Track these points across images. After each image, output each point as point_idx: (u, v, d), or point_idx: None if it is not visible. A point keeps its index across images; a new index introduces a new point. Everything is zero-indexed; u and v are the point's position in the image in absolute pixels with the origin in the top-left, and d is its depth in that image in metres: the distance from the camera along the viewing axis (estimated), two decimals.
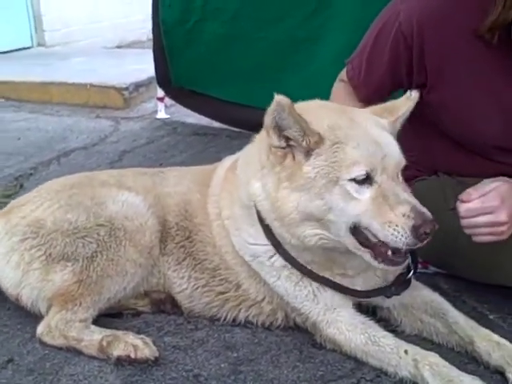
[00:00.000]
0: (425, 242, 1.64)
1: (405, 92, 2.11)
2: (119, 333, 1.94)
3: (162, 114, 4.97)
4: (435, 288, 2.14)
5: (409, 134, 2.33)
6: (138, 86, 5.44)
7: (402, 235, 1.60)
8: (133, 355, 1.86)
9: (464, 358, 1.90)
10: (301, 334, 2.03)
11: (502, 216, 1.84)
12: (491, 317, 2.16)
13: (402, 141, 2.30)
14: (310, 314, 1.95)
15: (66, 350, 1.94)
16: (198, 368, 1.88)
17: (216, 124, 4.62)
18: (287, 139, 1.71)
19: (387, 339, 1.84)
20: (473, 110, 2.08)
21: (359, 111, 1.85)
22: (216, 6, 4.27)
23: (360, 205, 1.64)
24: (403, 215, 1.59)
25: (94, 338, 1.93)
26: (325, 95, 4.47)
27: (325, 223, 1.71)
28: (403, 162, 1.73)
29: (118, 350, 1.87)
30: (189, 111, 4.76)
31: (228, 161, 2.19)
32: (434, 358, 1.74)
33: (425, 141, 2.27)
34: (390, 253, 1.71)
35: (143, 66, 5.50)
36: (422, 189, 2.29)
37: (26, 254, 2.01)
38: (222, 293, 2.09)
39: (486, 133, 2.09)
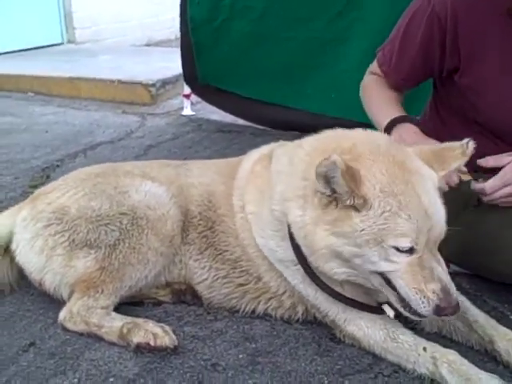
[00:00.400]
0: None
1: (435, 81, 2.15)
2: (139, 320, 1.96)
3: (187, 111, 5.01)
4: (456, 287, 2.11)
5: (436, 123, 2.36)
6: (164, 82, 5.48)
7: (425, 307, 1.62)
8: (152, 343, 1.88)
9: (483, 356, 1.89)
10: (320, 327, 2.03)
11: None
12: (511, 317, 2.15)
13: (429, 130, 2.36)
14: (329, 312, 1.95)
15: (87, 336, 1.97)
16: (216, 358, 1.89)
17: (240, 121, 4.65)
18: (334, 190, 1.66)
19: (406, 336, 1.84)
20: (507, 91, 2.08)
21: (413, 164, 1.70)
22: (244, 4, 4.29)
23: (394, 265, 1.65)
24: (433, 292, 1.61)
25: (114, 324, 1.95)
26: (351, 96, 4.47)
27: (352, 265, 1.72)
28: (444, 233, 1.69)
29: (137, 337, 1.89)
30: (214, 108, 4.79)
31: (255, 154, 2.20)
32: (452, 355, 1.73)
33: (452, 130, 2.27)
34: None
35: (170, 63, 5.56)
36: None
37: (49, 239, 2.05)
38: (242, 284, 2.10)
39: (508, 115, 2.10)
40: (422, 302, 1.62)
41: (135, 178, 2.22)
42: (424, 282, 1.61)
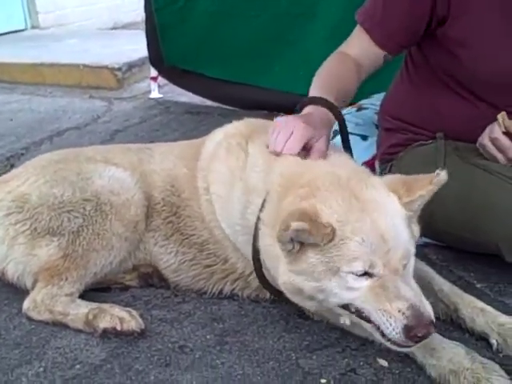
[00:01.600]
0: (417, 344, 1.56)
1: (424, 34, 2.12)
2: (105, 306, 1.94)
3: (155, 94, 4.94)
4: (423, 258, 2.15)
5: (410, 90, 2.36)
6: (131, 66, 5.40)
7: (394, 329, 1.52)
8: (119, 327, 1.86)
9: (449, 326, 1.91)
10: (288, 305, 2.01)
11: None
12: (478, 285, 2.16)
13: (408, 101, 2.35)
14: None
15: (53, 325, 1.94)
16: (183, 339, 1.89)
17: (209, 102, 4.60)
18: (301, 242, 1.61)
19: None
20: (495, 44, 2.08)
21: (373, 192, 1.65)
22: None
23: (356, 293, 1.59)
24: (399, 311, 1.51)
25: (80, 311, 1.93)
26: None
27: (318, 299, 1.67)
28: (410, 253, 1.63)
29: (103, 323, 1.87)
30: (182, 90, 4.74)
31: (218, 134, 2.18)
32: None
33: (428, 95, 2.29)
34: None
35: (137, 46, 5.45)
36: (417, 154, 2.32)
37: (10, 228, 2.01)
38: (209, 266, 2.09)
39: (508, 68, 2.09)
40: (390, 324, 1.52)
41: (98, 164, 2.19)
42: (388, 302, 1.53)
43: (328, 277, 1.59)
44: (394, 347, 1.60)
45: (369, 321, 1.60)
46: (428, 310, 1.53)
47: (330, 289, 1.61)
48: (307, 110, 1.94)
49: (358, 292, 1.58)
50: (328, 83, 2.08)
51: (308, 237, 1.56)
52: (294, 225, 1.53)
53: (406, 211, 1.65)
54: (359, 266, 1.56)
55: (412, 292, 1.55)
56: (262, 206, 1.79)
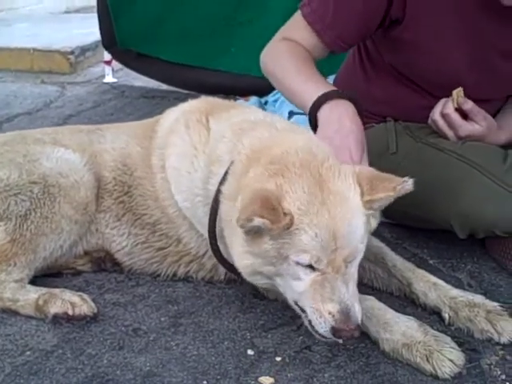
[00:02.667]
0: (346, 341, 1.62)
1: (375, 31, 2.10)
2: (56, 290, 1.90)
3: (109, 78, 4.87)
4: (377, 236, 2.14)
5: (360, 78, 2.37)
6: (84, 49, 5.30)
7: (322, 327, 1.55)
8: (70, 312, 1.82)
9: (403, 301, 1.93)
10: (243, 286, 2.00)
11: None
12: (431, 262, 2.20)
13: (359, 88, 2.32)
14: None
15: (2, 312, 1.89)
16: (137, 322, 1.86)
17: (164, 86, 4.57)
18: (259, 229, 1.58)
19: None
20: (449, 47, 2.09)
21: (340, 183, 1.61)
22: None
23: (302, 284, 1.58)
24: (329, 313, 1.53)
25: (29, 297, 1.88)
26: None
27: (275, 282, 1.66)
28: (358, 251, 1.62)
29: (54, 308, 1.83)
30: (137, 74, 4.68)
31: (174, 112, 2.15)
32: (370, 301, 1.75)
33: (379, 85, 2.30)
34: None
35: (90, 30, 5.37)
36: (369, 136, 2.32)
37: None
38: (162, 248, 2.06)
39: (452, 66, 2.11)
40: (320, 323, 1.55)
41: (46, 146, 2.14)
42: (321, 302, 1.54)
43: (280, 262, 1.59)
44: (321, 339, 1.62)
45: (303, 311, 1.62)
46: (356, 314, 1.54)
47: (284, 274, 1.60)
48: (336, 111, 1.83)
49: (303, 283, 1.58)
50: (313, 73, 2.00)
51: (268, 231, 1.54)
52: (256, 221, 1.51)
53: (366, 210, 1.62)
54: (306, 259, 1.55)
55: (346, 295, 1.55)
56: (224, 178, 1.76)
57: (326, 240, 1.54)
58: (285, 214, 1.53)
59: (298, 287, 1.59)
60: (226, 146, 1.85)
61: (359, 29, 2.10)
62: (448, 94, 2.12)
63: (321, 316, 1.54)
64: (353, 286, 1.59)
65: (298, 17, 2.14)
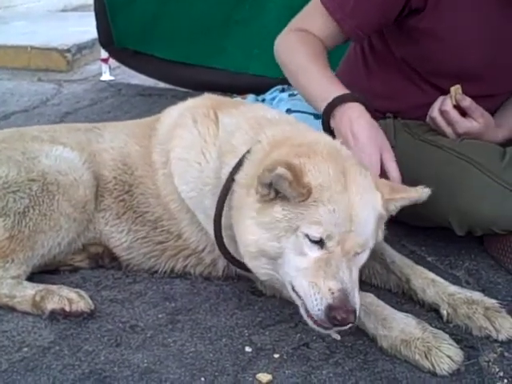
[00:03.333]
0: (336, 328, 1.55)
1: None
2: (53, 287, 1.89)
3: (106, 76, 4.85)
4: None
5: (361, 72, 2.37)
6: (81, 47, 5.29)
7: (317, 305, 1.52)
8: (67, 308, 1.82)
9: (401, 299, 1.94)
10: (241, 282, 2.02)
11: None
12: (429, 259, 2.20)
13: (360, 84, 2.32)
14: None
15: None
16: (134, 319, 1.85)
17: (161, 84, 4.56)
18: (277, 191, 1.59)
19: None
20: (466, 38, 2.09)
21: (363, 180, 1.64)
22: None
23: (305, 260, 1.57)
24: (329, 289, 1.51)
25: (26, 293, 1.87)
26: (273, 52, 4.37)
27: (277, 265, 1.65)
28: (367, 245, 1.62)
29: (51, 304, 1.82)
30: (134, 72, 4.67)
31: (176, 109, 2.16)
32: (368, 298, 1.75)
33: (380, 79, 2.31)
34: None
35: (87, 28, 5.33)
36: None
37: None
38: (162, 242, 2.06)
39: (469, 59, 2.12)
40: (316, 299, 1.51)
41: (44, 143, 2.13)
42: (323, 278, 1.52)
43: (287, 235, 1.58)
44: (313, 325, 1.59)
45: (298, 295, 1.60)
46: (355, 300, 1.53)
47: (287, 251, 1.60)
48: (354, 115, 1.91)
49: (306, 260, 1.57)
50: (325, 70, 2.05)
51: (286, 188, 1.54)
52: (280, 170, 1.52)
53: (383, 210, 1.65)
54: (317, 232, 1.55)
55: (350, 278, 1.54)
56: (238, 167, 1.77)
57: (343, 219, 1.55)
58: (304, 185, 1.55)
59: (301, 263, 1.58)
60: (242, 138, 1.86)
61: (379, 18, 2.12)
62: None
63: (319, 292, 1.52)
64: (356, 275, 1.59)
65: (314, 5, 2.15)
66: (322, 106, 1.96)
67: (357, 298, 1.54)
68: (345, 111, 1.92)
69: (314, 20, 2.14)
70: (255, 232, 1.63)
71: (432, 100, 2.17)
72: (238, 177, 1.75)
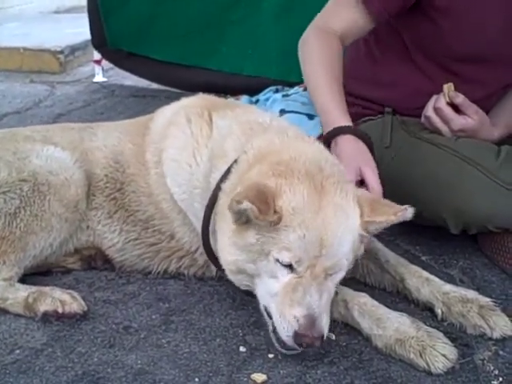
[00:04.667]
0: (305, 349, 1.56)
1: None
2: (46, 288, 1.88)
3: (99, 78, 4.84)
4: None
5: (372, 66, 2.36)
6: (74, 49, 5.27)
7: (285, 332, 1.54)
8: (60, 310, 1.81)
9: (395, 298, 1.93)
10: None
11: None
12: (423, 258, 2.20)
13: (362, 75, 2.35)
14: None
15: None
16: (128, 320, 1.84)
17: (155, 86, 4.55)
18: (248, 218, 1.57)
19: None
20: (481, 16, 2.09)
21: (340, 199, 1.61)
22: None
23: (277, 285, 1.57)
24: (294, 317, 1.52)
25: (19, 295, 1.86)
26: (268, 51, 4.37)
27: (254, 283, 1.66)
28: (340, 266, 1.60)
29: (44, 306, 1.81)
30: (127, 74, 4.65)
31: (170, 108, 2.16)
32: (363, 298, 1.74)
33: (387, 68, 2.30)
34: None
35: (80, 29, 5.31)
36: (365, 129, 2.32)
37: None
38: (155, 244, 2.06)
39: (484, 39, 2.12)
40: (283, 327, 1.53)
41: (36, 143, 2.12)
42: (289, 305, 1.53)
43: (260, 258, 1.58)
44: (281, 349, 1.61)
45: (270, 318, 1.61)
46: (322, 325, 1.53)
47: (262, 273, 1.59)
48: (344, 147, 1.93)
49: (278, 285, 1.57)
50: (335, 88, 2.06)
51: (253, 219, 1.53)
52: (245, 204, 1.50)
53: (361, 230, 1.62)
54: (287, 257, 1.54)
55: (317, 302, 1.53)
56: (226, 176, 1.75)
57: (312, 244, 1.53)
58: (275, 211, 1.53)
59: (273, 287, 1.58)
60: (233, 143, 1.85)
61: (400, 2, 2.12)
62: (467, 70, 2.15)
63: (285, 320, 1.53)
64: (327, 298, 1.57)
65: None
66: (325, 130, 2.03)
67: (325, 323, 1.54)
68: (339, 142, 1.95)
69: (338, 11, 2.17)
70: (233, 252, 1.64)
71: (436, 87, 2.15)
72: (225, 186, 1.74)
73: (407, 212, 1.64)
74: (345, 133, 1.95)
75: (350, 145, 1.93)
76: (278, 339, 1.58)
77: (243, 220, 1.57)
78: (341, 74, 2.11)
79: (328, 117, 2.02)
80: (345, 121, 1.98)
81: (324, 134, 2.02)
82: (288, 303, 1.54)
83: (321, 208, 1.57)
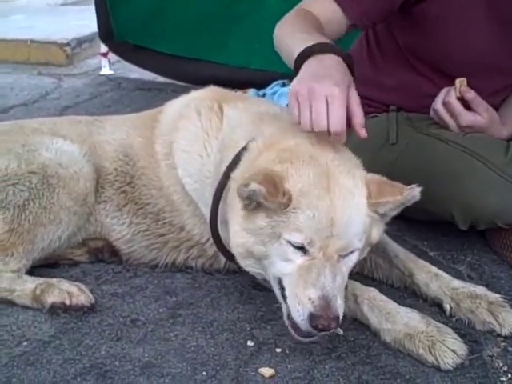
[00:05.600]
0: (321, 333, 1.52)
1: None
2: (53, 280, 1.88)
3: (105, 70, 4.83)
4: None
5: (373, 68, 2.35)
6: (80, 41, 5.26)
7: (300, 315, 1.51)
8: (68, 302, 1.81)
9: (403, 293, 1.92)
10: (242, 276, 1.99)
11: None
12: (431, 254, 2.19)
13: (365, 76, 2.29)
14: None
15: None
16: (135, 313, 1.84)
17: (161, 79, 4.53)
18: (258, 203, 1.56)
19: None
20: (472, 25, 2.08)
21: (347, 180, 1.59)
22: None
23: (290, 266, 1.56)
24: (309, 299, 1.50)
25: (26, 287, 1.86)
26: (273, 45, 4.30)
27: (264, 265, 1.64)
28: (352, 247, 1.57)
29: (52, 297, 1.82)
30: (133, 67, 4.64)
31: (180, 101, 2.16)
32: (372, 292, 1.74)
33: (385, 69, 2.29)
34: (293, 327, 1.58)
35: (87, 22, 5.31)
36: (370, 126, 2.30)
37: None
38: (163, 235, 2.06)
39: (476, 47, 2.11)
40: (298, 310, 1.51)
41: (44, 136, 2.12)
42: (303, 287, 1.50)
43: (272, 241, 1.57)
44: (297, 336, 1.58)
45: (285, 300, 1.59)
46: (337, 306, 1.50)
47: (273, 256, 1.58)
48: (316, 61, 1.66)
49: (291, 266, 1.56)
50: (311, 28, 1.85)
51: (263, 201, 1.53)
52: (253, 185, 1.50)
53: (370, 211, 1.60)
54: (299, 238, 1.53)
55: (331, 284, 1.51)
56: (235, 164, 1.75)
57: (323, 224, 1.52)
58: (284, 193, 1.52)
59: (285, 269, 1.57)
60: (242, 133, 1.84)
61: (383, 3, 2.07)
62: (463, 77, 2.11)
63: (299, 303, 1.51)
64: (340, 280, 1.55)
65: None
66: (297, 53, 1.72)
67: (339, 304, 1.51)
68: (316, 60, 1.68)
69: (318, 6, 2.06)
70: (243, 236, 1.63)
71: (438, 89, 2.14)
72: (234, 174, 1.74)
73: (414, 191, 1.60)
74: (322, 52, 1.68)
75: (335, 62, 1.68)
76: (294, 324, 1.56)
77: (253, 206, 1.57)
78: (320, 31, 1.87)
79: (298, 46, 1.73)
80: (320, 39, 1.73)
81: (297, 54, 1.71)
82: (302, 285, 1.52)
83: (328, 188, 1.56)
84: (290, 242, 1.54)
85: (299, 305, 1.51)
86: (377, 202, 1.60)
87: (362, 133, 1.64)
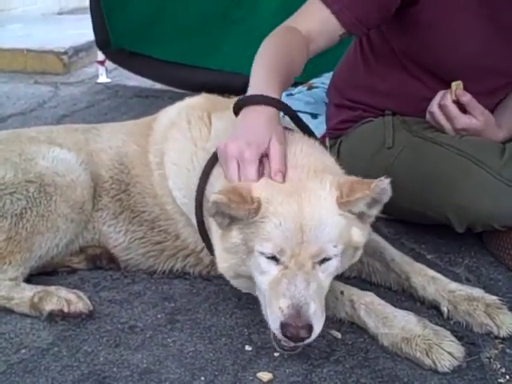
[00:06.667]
0: (298, 344, 1.51)
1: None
2: (51, 288, 1.88)
3: (103, 78, 4.85)
4: (375, 231, 2.13)
5: (368, 73, 2.36)
6: (77, 50, 5.29)
7: (273, 325, 1.50)
8: (66, 309, 1.81)
9: (401, 296, 1.93)
10: None
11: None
12: (429, 257, 2.20)
13: (361, 81, 2.34)
14: None
15: None
16: (133, 320, 1.84)
17: (158, 86, 4.57)
18: (231, 216, 1.56)
19: None
20: (464, 30, 2.08)
21: (315, 184, 1.57)
22: None
23: (266, 278, 1.55)
24: (279, 308, 1.49)
25: (24, 295, 1.86)
26: None
27: (252, 283, 1.64)
28: (325, 253, 1.53)
29: (50, 305, 1.82)
30: (131, 74, 4.68)
31: (174, 108, 2.16)
32: (369, 297, 1.74)
33: (379, 74, 2.30)
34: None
35: (83, 30, 5.36)
36: (366, 130, 2.33)
37: None
38: (160, 242, 2.06)
39: (469, 51, 2.11)
40: (271, 320, 1.51)
41: (41, 145, 2.13)
42: (275, 298, 1.50)
43: (248, 257, 1.57)
44: (279, 349, 1.58)
45: None
46: (309, 314, 1.47)
47: (253, 272, 1.58)
48: (248, 115, 1.71)
49: (266, 278, 1.55)
50: (274, 66, 1.83)
51: (230, 211, 1.52)
52: (213, 197, 1.50)
53: (343, 211, 1.56)
54: (268, 248, 1.52)
55: (303, 292, 1.49)
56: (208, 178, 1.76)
57: (291, 231, 1.50)
58: (253, 200, 1.51)
59: (262, 282, 1.56)
60: None
61: (377, 9, 2.06)
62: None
63: (271, 313, 1.51)
64: (315, 287, 1.51)
65: (311, 1, 2.06)
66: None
67: (312, 311, 1.48)
68: (244, 114, 1.72)
69: (310, 16, 2.06)
70: (225, 259, 1.63)
71: (433, 92, 2.15)
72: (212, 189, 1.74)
73: (382, 183, 1.54)
74: (257, 103, 1.70)
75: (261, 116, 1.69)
76: (275, 338, 1.56)
77: (226, 223, 1.56)
78: (291, 65, 1.88)
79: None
80: (267, 84, 1.75)
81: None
82: (274, 296, 1.51)
83: (294, 193, 1.54)
84: (262, 253, 1.53)
85: (272, 315, 1.51)
86: (347, 200, 1.55)
87: (277, 179, 1.60)
